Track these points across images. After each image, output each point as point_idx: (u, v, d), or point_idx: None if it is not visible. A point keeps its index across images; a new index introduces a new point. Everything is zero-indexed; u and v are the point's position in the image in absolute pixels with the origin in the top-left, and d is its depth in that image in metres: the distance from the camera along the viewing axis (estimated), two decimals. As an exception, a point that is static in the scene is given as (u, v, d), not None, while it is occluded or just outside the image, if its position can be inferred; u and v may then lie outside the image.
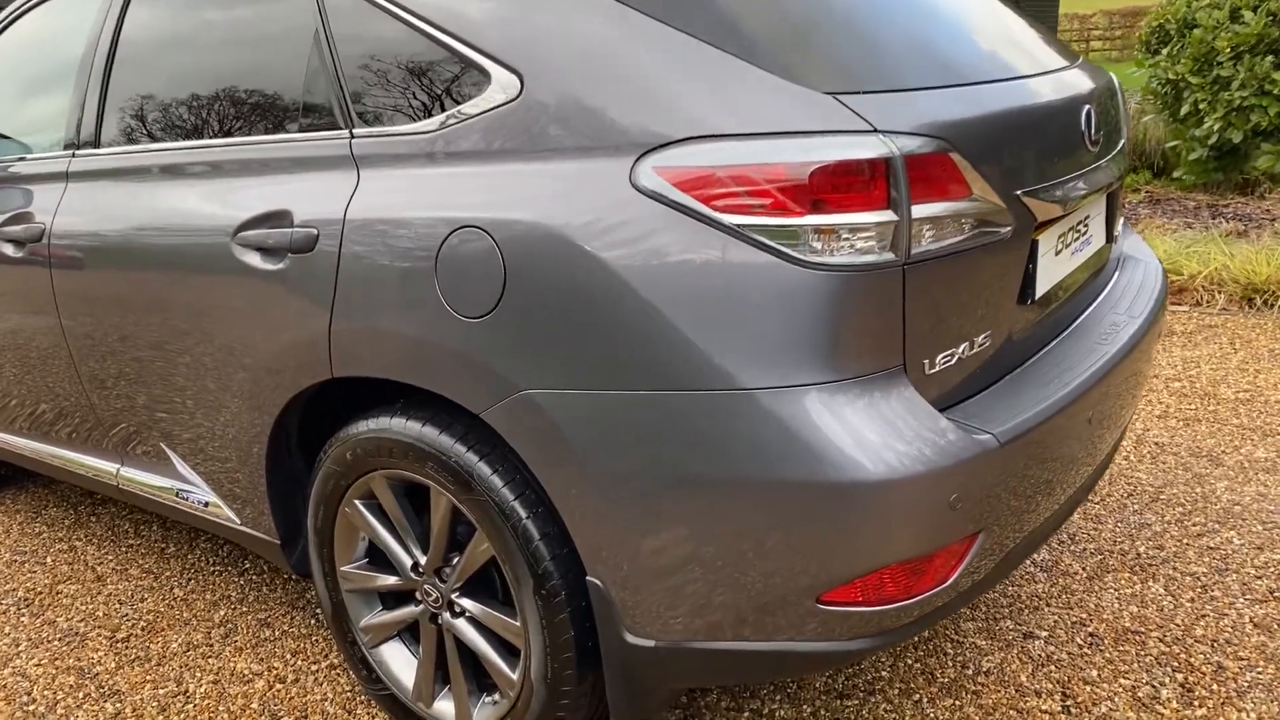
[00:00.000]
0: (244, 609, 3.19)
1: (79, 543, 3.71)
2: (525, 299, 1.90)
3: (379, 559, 2.57)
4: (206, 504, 2.84)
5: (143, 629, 3.11)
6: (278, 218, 2.30)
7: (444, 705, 2.45)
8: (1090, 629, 2.76)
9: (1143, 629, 2.75)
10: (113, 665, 2.94)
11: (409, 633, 2.55)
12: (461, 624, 2.34)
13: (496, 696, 2.35)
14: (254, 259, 2.35)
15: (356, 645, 2.56)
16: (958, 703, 2.49)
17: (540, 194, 1.89)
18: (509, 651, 2.28)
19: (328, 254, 2.20)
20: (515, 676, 2.24)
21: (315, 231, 2.21)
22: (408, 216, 2.06)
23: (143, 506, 3.12)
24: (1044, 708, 2.45)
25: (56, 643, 3.06)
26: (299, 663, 2.90)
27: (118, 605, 3.25)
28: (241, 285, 2.39)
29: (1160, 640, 2.70)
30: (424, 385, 2.10)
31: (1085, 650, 2.67)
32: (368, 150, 2.18)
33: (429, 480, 2.21)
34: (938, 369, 1.88)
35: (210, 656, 2.94)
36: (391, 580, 2.45)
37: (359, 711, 2.66)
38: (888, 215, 1.73)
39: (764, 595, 1.85)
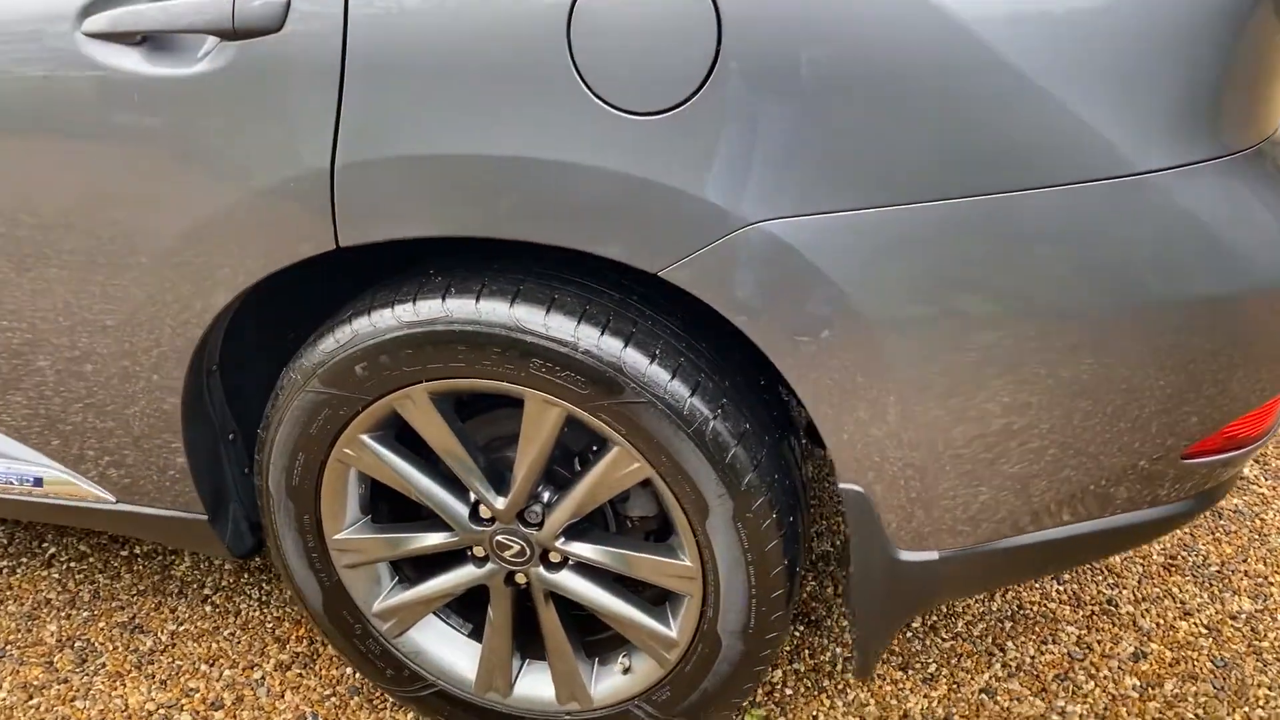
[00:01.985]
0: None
1: None
2: (753, 72, 1.16)
3: (396, 513, 1.75)
4: (37, 482, 1.80)
5: None
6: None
7: (531, 687, 1.75)
8: None
9: None
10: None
11: (452, 607, 1.78)
12: (567, 578, 1.63)
13: (626, 662, 1.69)
14: (132, 62, 1.34)
15: (370, 638, 1.76)
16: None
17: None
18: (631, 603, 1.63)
19: (316, 31, 1.26)
20: (674, 633, 1.59)
21: (280, -6, 1.27)
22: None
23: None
24: None
25: None
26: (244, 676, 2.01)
27: None
28: (111, 110, 1.37)
29: None
30: (539, 238, 1.30)
31: None
32: None
33: (524, 387, 1.43)
34: None
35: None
36: (437, 539, 1.66)
37: None
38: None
39: (1119, 463, 1.34)
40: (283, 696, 1.96)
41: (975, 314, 1.25)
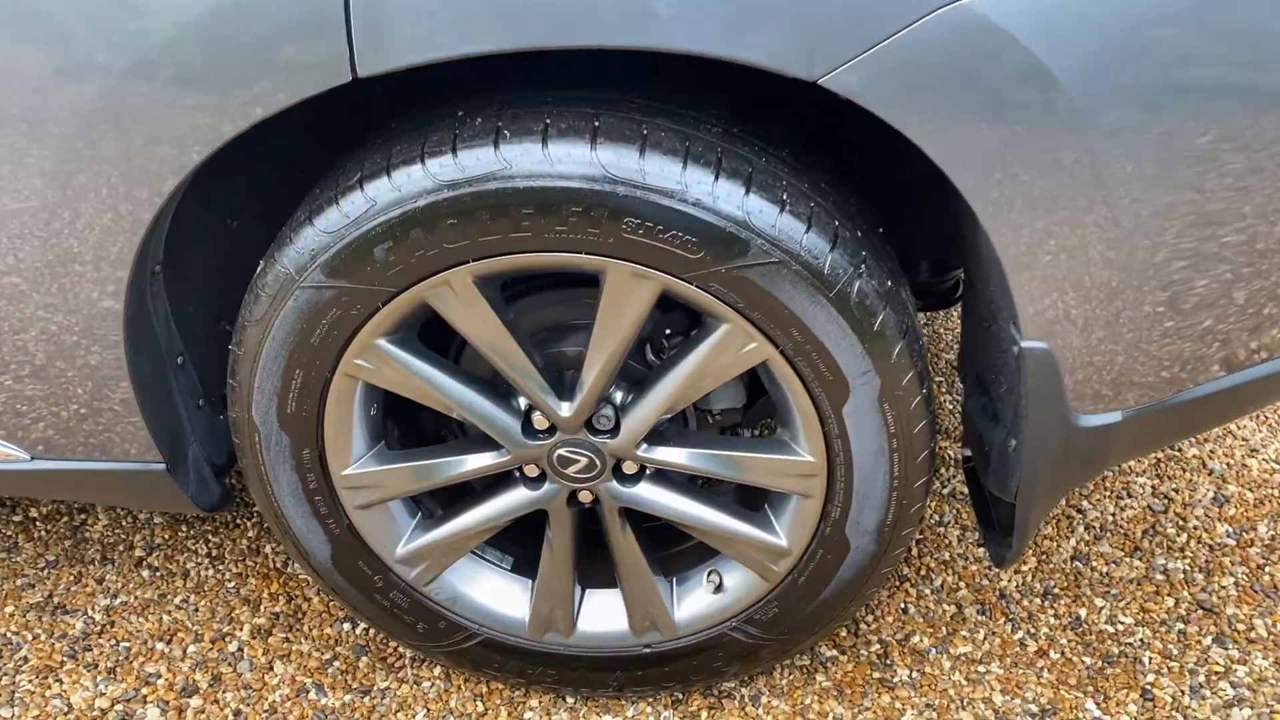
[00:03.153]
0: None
1: None
2: None
3: (405, 437, 1.40)
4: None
5: None
6: None
7: (596, 622, 1.45)
8: None
9: None
10: None
11: (487, 539, 1.46)
12: (647, 491, 1.33)
13: (715, 579, 1.42)
14: None
15: (394, 590, 1.41)
16: None
17: None
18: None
19: None
20: (784, 541, 1.33)
21: None
22: None
23: None
24: None
25: None
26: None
27: None
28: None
29: None
30: (642, 42, 0.95)
31: None
32: None
33: (606, 257, 1.10)
34: None
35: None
36: (483, 461, 1.32)
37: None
38: None
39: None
40: (270, 669, 1.61)
41: (1210, 118, 0.99)
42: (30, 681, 1.60)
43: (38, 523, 1.92)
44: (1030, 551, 1.73)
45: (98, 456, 1.33)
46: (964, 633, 1.60)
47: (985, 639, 1.59)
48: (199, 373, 1.39)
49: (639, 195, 1.05)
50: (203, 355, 1.40)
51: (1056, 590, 1.66)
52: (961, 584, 1.68)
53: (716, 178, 1.06)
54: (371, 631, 1.66)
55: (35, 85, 1.03)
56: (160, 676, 1.60)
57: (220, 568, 1.80)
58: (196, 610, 1.72)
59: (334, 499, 1.34)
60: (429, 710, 1.53)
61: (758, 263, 1.08)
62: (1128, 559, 1.71)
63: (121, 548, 1.85)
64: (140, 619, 1.70)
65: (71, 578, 1.79)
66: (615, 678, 1.47)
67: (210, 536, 1.87)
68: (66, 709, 1.56)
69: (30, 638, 1.68)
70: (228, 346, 1.29)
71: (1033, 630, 1.60)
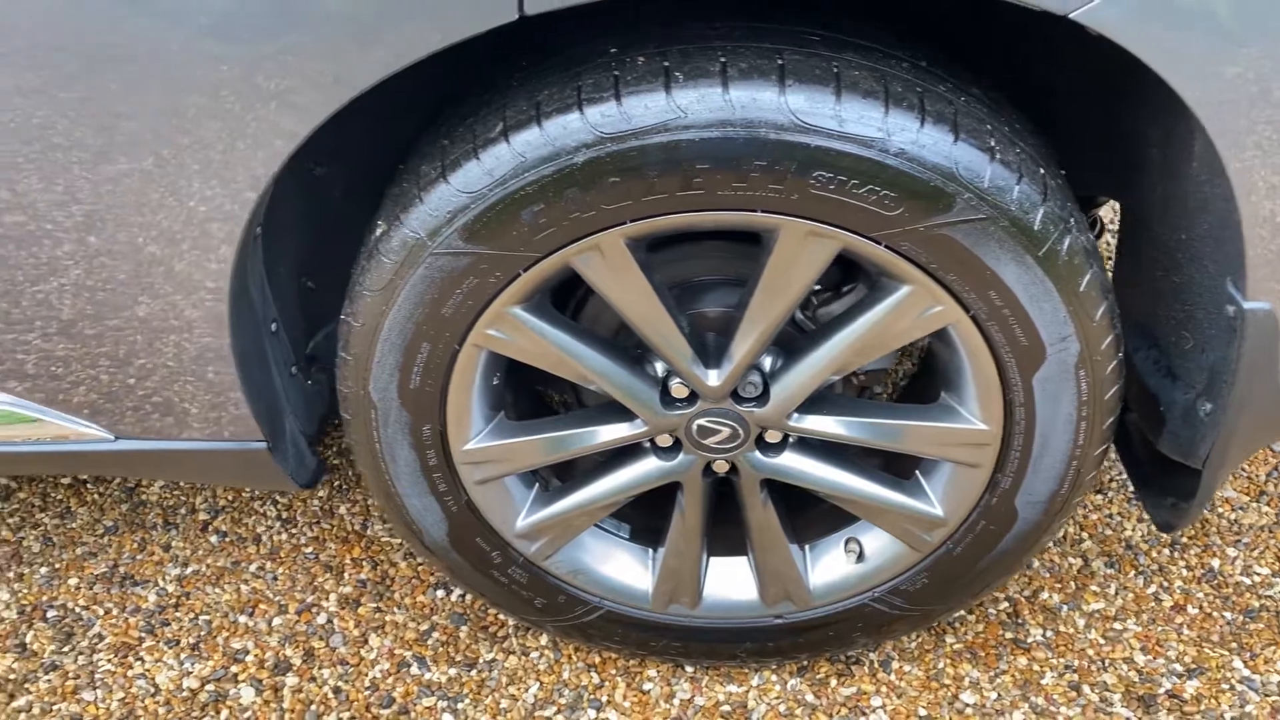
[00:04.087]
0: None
1: None
2: None
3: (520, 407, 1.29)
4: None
5: None
6: None
7: (722, 591, 1.37)
8: None
9: None
10: None
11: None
12: (793, 461, 1.23)
13: (855, 548, 1.33)
14: None
15: (513, 566, 1.31)
16: None
17: None
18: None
19: None
20: (940, 511, 1.23)
21: None
22: None
23: None
24: None
25: None
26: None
27: None
28: None
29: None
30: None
31: None
32: None
33: (784, 215, 0.97)
34: None
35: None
36: (619, 431, 1.20)
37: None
38: None
39: None
40: (365, 642, 1.52)
41: None
42: (110, 661, 1.50)
43: (88, 485, 1.80)
44: (1151, 498, 1.65)
45: (190, 436, 1.20)
46: (1094, 587, 1.53)
47: (1117, 594, 1.52)
48: (290, 338, 1.26)
49: (834, 146, 0.92)
50: (291, 318, 1.27)
51: (1184, 540, 1.59)
52: (1085, 535, 1.61)
53: (922, 123, 0.93)
54: (468, 598, 1.57)
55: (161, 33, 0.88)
56: (248, 653, 1.51)
57: (294, 531, 1.69)
58: (275, 579, 1.62)
59: (453, 475, 1.22)
60: (542, 683, 1.45)
61: (963, 219, 0.96)
62: (1254, 504, 1.63)
63: (184, 511, 1.74)
64: (216, 589, 1.60)
65: (135, 545, 1.68)
66: (744, 649, 1.39)
67: (278, 498, 1.76)
68: (153, 690, 1.47)
69: (102, 613, 1.57)
70: (316, 305, 1.17)
71: (1165, 584, 1.53)
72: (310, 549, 1.66)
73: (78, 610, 1.58)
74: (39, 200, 0.98)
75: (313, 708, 1.43)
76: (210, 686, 1.47)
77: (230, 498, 1.76)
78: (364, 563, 1.63)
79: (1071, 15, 0.83)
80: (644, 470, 1.25)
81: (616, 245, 1.01)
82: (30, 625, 1.56)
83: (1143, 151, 1.13)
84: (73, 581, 1.63)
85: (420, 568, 1.62)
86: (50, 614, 1.58)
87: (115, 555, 1.67)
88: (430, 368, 1.11)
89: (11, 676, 1.49)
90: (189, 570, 1.64)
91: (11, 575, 1.64)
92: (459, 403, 1.16)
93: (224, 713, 1.43)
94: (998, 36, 1.15)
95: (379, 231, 1.04)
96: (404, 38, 0.85)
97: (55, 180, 0.97)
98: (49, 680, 1.48)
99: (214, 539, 1.69)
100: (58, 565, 1.65)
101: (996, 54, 1.16)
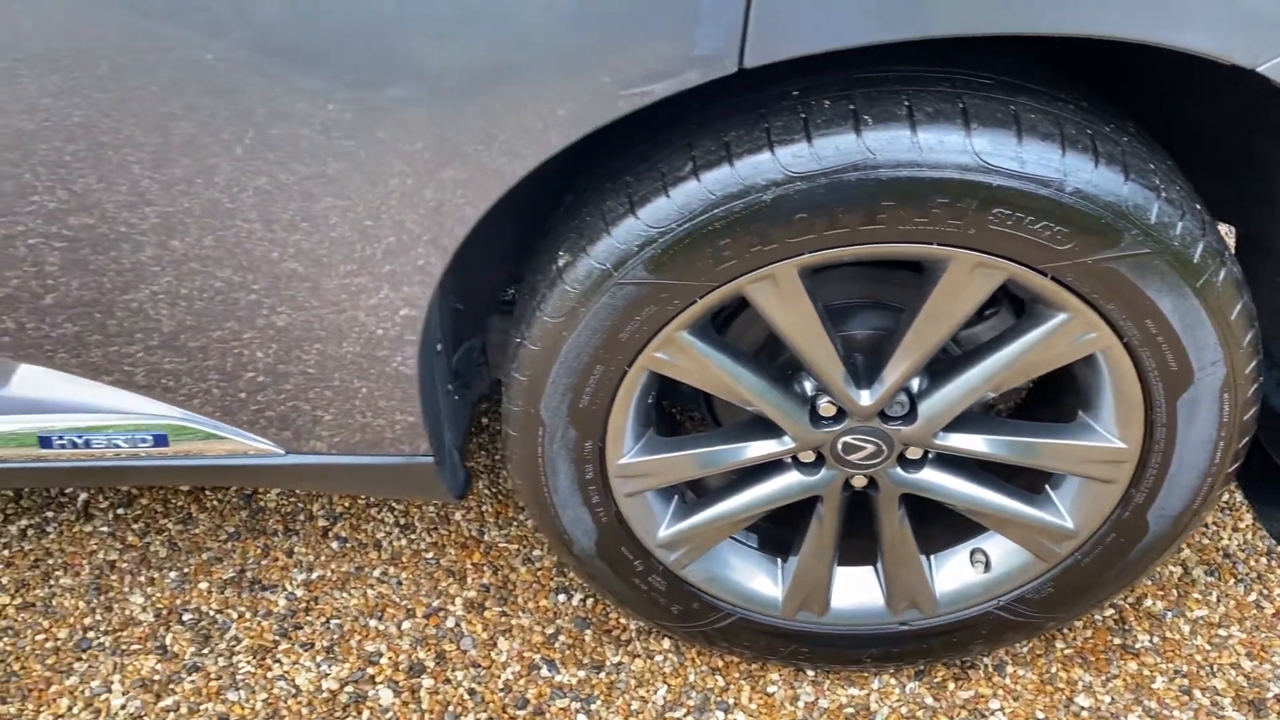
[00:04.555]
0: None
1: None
2: None
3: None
4: (159, 440, 1.26)
5: None
6: None
7: (848, 599, 1.42)
8: None
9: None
10: None
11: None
12: (932, 476, 1.28)
13: (981, 558, 1.39)
14: None
15: (654, 574, 1.37)
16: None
17: None
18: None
19: None
20: (1070, 524, 1.29)
21: None
22: None
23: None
24: None
25: None
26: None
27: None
28: None
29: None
30: (1069, 29, 0.87)
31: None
32: None
33: (956, 248, 1.02)
34: None
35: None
36: (767, 448, 1.26)
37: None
38: None
39: None
40: (494, 644, 1.58)
41: None
42: (249, 663, 1.56)
43: (207, 492, 1.86)
44: (1244, 506, 1.72)
45: (361, 451, 1.26)
46: (1196, 595, 1.59)
47: (1219, 601, 1.58)
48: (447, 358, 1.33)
49: (1015, 185, 0.98)
50: (448, 338, 1.33)
51: (1279, 549, 1.65)
52: (1183, 544, 1.66)
53: (1095, 164, 0.98)
54: (589, 602, 1.63)
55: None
56: (382, 655, 1.57)
57: (412, 537, 1.75)
58: (399, 583, 1.68)
59: (606, 488, 1.28)
60: (669, 686, 1.51)
61: (1129, 253, 1.01)
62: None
63: (302, 517, 1.80)
64: (343, 594, 1.66)
65: (258, 550, 1.74)
66: (869, 654, 1.45)
67: (394, 504, 1.82)
68: (294, 691, 1.53)
69: (235, 616, 1.64)
70: (460, 325, 1.22)
71: (1265, 591, 1.59)
72: (430, 554, 1.72)
73: (211, 614, 1.64)
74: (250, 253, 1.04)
75: (450, 709, 1.50)
76: (349, 688, 1.53)
77: (346, 504, 1.82)
78: (484, 568, 1.69)
79: (1259, 69, 0.89)
80: (786, 485, 1.31)
81: (790, 274, 1.07)
82: (168, 628, 1.62)
83: (1274, 180, 1.18)
84: (203, 585, 1.69)
85: (540, 572, 1.68)
86: (186, 617, 1.64)
87: (241, 560, 1.73)
88: (600, 388, 1.17)
89: (156, 677, 1.55)
90: (314, 575, 1.70)
91: (143, 579, 1.70)
92: (619, 420, 1.22)
93: (365, 714, 1.49)
94: (1140, 75, 1.20)
95: (562, 262, 1.10)
96: (627, 89, 0.91)
97: (272, 221, 1.03)
98: (192, 681, 1.54)
99: (335, 545, 1.75)
100: (186, 569, 1.72)
101: (1127, 87, 1.22)
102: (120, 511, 1.82)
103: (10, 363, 1.22)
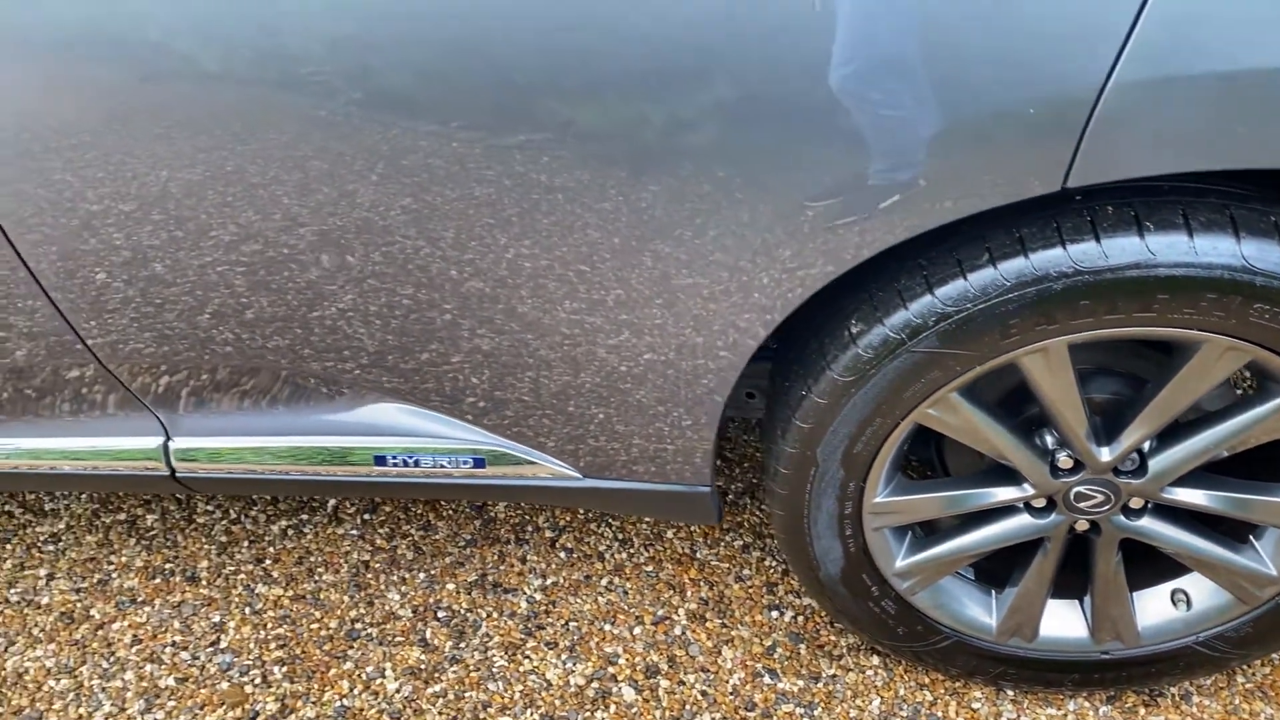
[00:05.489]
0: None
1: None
2: None
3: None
4: (478, 463, 1.47)
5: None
6: None
7: (1055, 628, 1.59)
8: None
9: None
10: None
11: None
12: (1151, 524, 1.45)
13: (1183, 597, 1.55)
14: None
15: (886, 599, 1.55)
16: None
17: None
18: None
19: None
20: (1274, 570, 1.45)
21: None
22: None
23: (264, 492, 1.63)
24: None
25: None
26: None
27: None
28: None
29: None
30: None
31: None
32: None
33: (1211, 333, 1.19)
34: None
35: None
36: (1007, 494, 1.44)
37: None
38: None
39: None
40: (719, 653, 1.77)
41: None
42: (502, 657, 1.77)
43: (441, 502, 2.07)
44: None
45: (652, 478, 1.46)
46: (1367, 640, 1.73)
47: (1390, 647, 1.72)
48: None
49: (1276, 285, 1.14)
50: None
51: None
52: None
53: (1344, 268, 1.15)
54: (801, 619, 1.81)
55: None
56: (619, 656, 1.77)
57: (631, 551, 1.95)
58: (626, 593, 1.88)
59: (859, 522, 1.47)
60: (882, 698, 1.69)
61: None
62: None
63: (530, 528, 2.01)
64: (577, 599, 1.87)
65: (495, 557, 1.95)
66: (1070, 679, 1.62)
67: (611, 519, 2.02)
68: (545, 685, 1.73)
69: (484, 615, 1.85)
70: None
71: None
72: (649, 568, 1.92)
73: (463, 612, 1.85)
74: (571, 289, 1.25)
75: (687, 707, 1.69)
76: (594, 684, 1.73)
77: (569, 518, 2.02)
78: (700, 583, 1.89)
79: None
80: (1019, 526, 1.48)
81: (1061, 349, 1.24)
82: (426, 624, 1.84)
83: None
84: (450, 586, 1.90)
85: (751, 590, 1.87)
86: (440, 614, 1.86)
87: (481, 565, 1.94)
88: (874, 437, 1.35)
89: (422, 666, 1.76)
90: (549, 581, 1.91)
91: (395, 578, 1.92)
92: (880, 465, 1.40)
93: (611, 708, 1.69)
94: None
95: (856, 329, 1.29)
96: (955, 201, 1.09)
97: (595, 256, 1.23)
98: (455, 671, 1.75)
99: (562, 554, 1.96)
100: (432, 571, 1.93)
101: None
102: (366, 516, 2.05)
103: (359, 395, 1.44)
